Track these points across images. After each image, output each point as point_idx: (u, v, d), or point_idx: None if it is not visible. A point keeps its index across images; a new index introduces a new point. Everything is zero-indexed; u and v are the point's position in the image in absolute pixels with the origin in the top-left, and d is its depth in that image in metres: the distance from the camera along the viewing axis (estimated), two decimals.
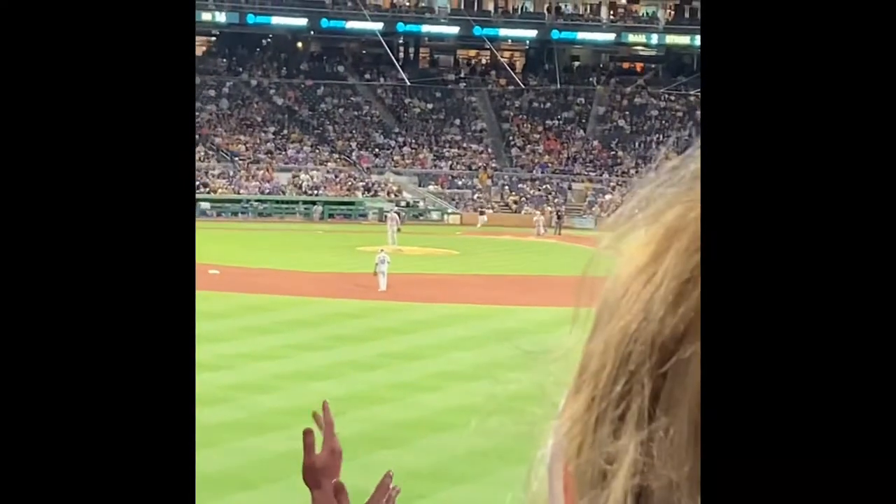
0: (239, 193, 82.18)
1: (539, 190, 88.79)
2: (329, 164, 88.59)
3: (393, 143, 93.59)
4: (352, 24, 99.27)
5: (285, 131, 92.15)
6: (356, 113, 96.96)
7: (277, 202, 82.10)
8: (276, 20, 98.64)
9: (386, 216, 70.25)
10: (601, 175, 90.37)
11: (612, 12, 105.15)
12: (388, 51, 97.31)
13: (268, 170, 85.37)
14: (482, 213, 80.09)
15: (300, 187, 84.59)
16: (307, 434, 3.44)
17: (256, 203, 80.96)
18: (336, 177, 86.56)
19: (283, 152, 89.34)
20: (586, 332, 0.83)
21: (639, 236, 0.78)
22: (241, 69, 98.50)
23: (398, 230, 63.89)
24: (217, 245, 55.97)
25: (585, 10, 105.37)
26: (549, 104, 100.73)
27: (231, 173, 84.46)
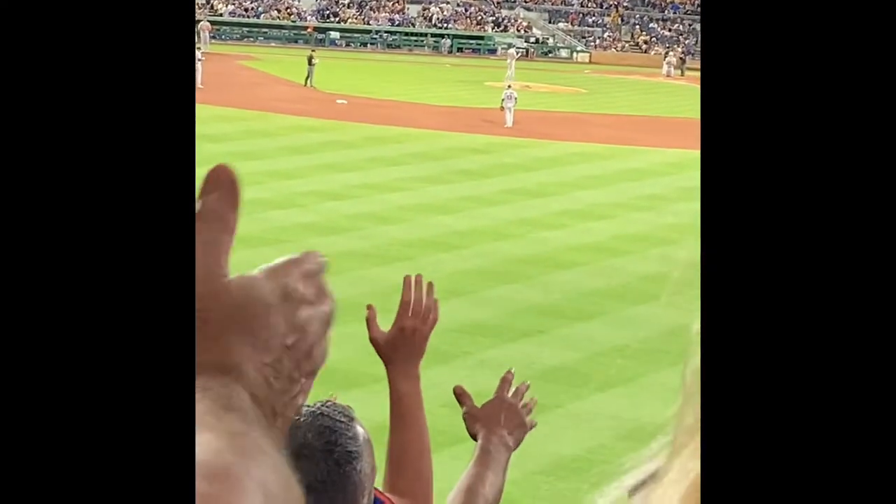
0: (368, 24, 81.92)
1: (670, 31, 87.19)
2: None
3: None
4: None
5: None
6: None
7: (406, 34, 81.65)
8: None
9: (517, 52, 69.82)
10: None
11: None
12: None
13: (398, 1, 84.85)
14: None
15: (430, 20, 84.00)
16: (368, 308, 3.44)
17: (386, 34, 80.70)
18: (466, 10, 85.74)
19: None
20: None
21: None
22: None
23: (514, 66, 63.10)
24: (345, 75, 56.02)
25: None
26: None
27: (361, 3, 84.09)
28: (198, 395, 0.81)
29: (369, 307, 3.45)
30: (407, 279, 3.47)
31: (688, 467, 0.70)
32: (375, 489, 3.34)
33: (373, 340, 3.42)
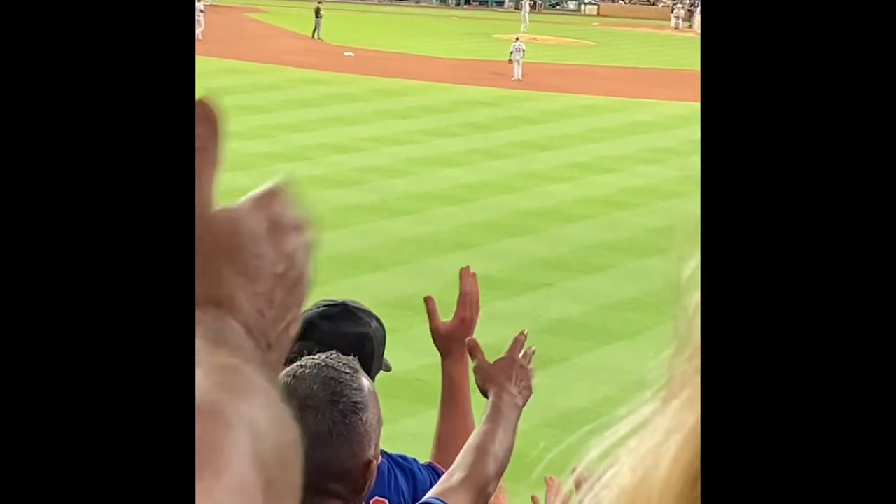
0: None
1: None
2: None
3: None
4: None
5: None
6: None
7: None
8: None
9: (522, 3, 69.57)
10: None
11: None
12: None
13: None
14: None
15: None
16: (427, 300, 3.64)
17: None
18: None
19: None
20: None
21: None
22: None
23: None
24: (352, 27, 55.82)
25: None
26: None
27: None
28: None
29: (428, 299, 3.63)
30: (463, 271, 3.64)
31: (683, 417, 0.71)
32: (436, 464, 3.41)
33: (435, 331, 3.61)
